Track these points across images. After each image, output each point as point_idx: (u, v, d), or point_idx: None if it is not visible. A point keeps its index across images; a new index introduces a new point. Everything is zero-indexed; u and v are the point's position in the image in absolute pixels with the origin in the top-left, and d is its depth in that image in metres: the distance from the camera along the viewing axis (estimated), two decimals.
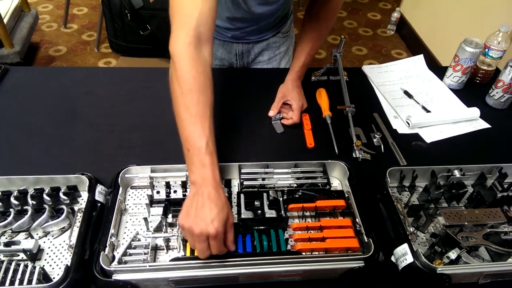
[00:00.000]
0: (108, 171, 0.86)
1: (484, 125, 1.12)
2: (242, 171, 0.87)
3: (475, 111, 1.13)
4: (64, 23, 2.95)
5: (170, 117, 1.05)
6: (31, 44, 2.60)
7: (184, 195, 0.80)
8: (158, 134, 1.01)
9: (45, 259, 0.73)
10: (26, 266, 0.69)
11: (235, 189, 0.86)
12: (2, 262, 0.69)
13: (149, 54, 2.36)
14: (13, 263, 0.69)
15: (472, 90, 1.24)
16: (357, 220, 0.77)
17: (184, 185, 0.83)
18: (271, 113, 1.06)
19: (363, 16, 3.44)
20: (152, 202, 0.80)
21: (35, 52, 2.73)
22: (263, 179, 0.87)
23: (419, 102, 1.17)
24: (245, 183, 0.85)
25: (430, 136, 1.06)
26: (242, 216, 0.77)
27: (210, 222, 0.63)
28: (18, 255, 0.72)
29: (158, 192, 0.80)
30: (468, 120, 1.12)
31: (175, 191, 0.81)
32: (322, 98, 1.12)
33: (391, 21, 3.19)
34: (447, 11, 2.65)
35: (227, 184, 0.85)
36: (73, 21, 3.03)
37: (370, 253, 0.71)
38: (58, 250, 0.74)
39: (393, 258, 0.76)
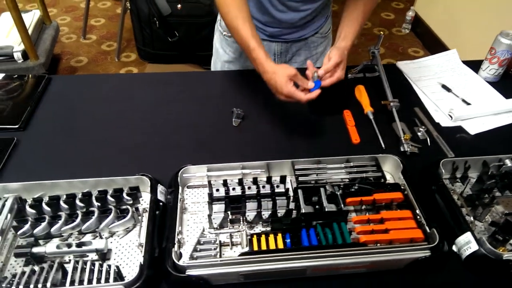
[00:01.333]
0: (157, 172, 0.88)
1: None
2: (296, 167, 0.88)
3: None
4: (83, 34, 3.00)
5: (211, 118, 1.07)
6: (53, 55, 2.64)
7: (243, 192, 0.82)
8: (203, 135, 1.03)
9: (114, 259, 0.75)
10: (101, 265, 0.70)
11: (288, 184, 0.87)
12: (77, 262, 0.71)
13: (176, 61, 2.39)
14: (88, 263, 0.70)
15: (509, 82, 1.24)
16: (417, 211, 0.78)
17: (240, 182, 0.84)
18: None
19: (377, 16, 3.45)
20: (212, 200, 0.81)
21: (57, 63, 2.78)
22: (317, 174, 0.88)
23: (458, 95, 1.17)
24: (300, 178, 0.86)
25: (473, 128, 1.06)
26: (303, 211, 0.78)
27: (280, 92, 0.92)
28: (87, 255, 0.74)
29: (217, 190, 0.82)
30: (509, 111, 1.12)
31: (233, 189, 0.82)
32: (362, 94, 1.13)
33: (406, 20, 3.20)
34: (462, 7, 2.65)
35: (282, 180, 0.87)
36: (92, 32, 3.08)
37: (436, 243, 0.72)
38: (125, 250, 0.76)
39: (454, 248, 0.77)
